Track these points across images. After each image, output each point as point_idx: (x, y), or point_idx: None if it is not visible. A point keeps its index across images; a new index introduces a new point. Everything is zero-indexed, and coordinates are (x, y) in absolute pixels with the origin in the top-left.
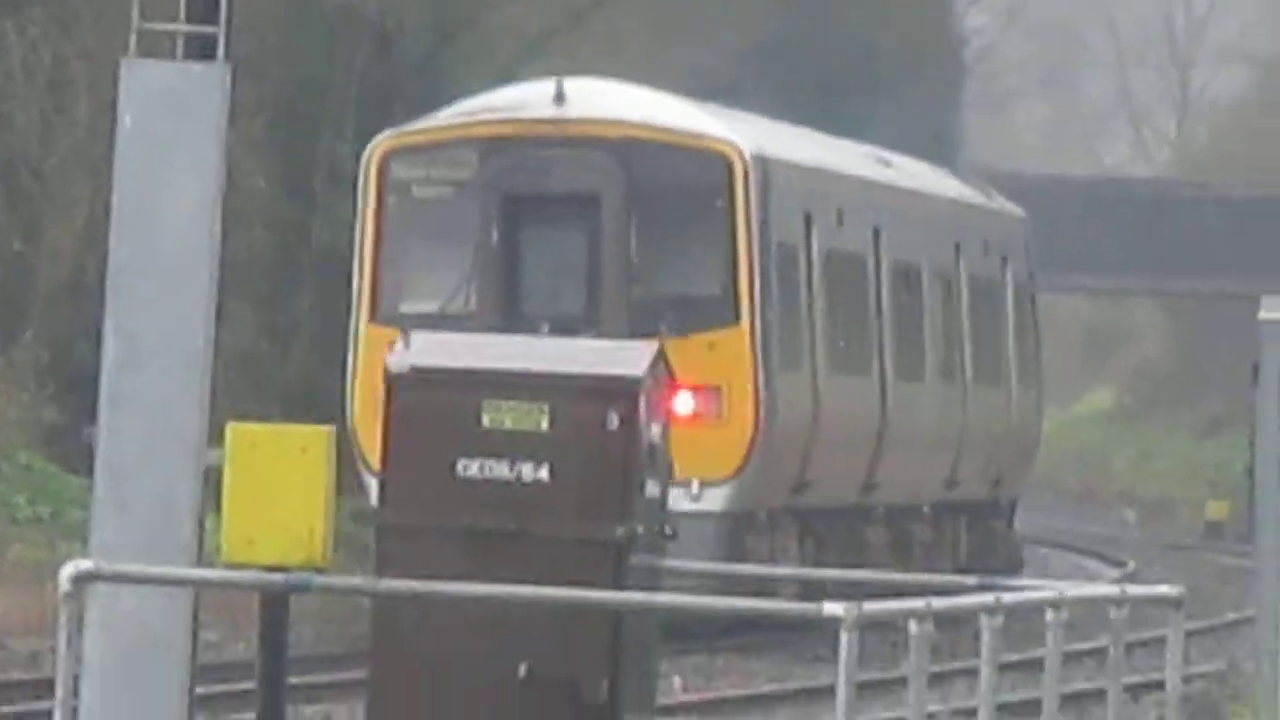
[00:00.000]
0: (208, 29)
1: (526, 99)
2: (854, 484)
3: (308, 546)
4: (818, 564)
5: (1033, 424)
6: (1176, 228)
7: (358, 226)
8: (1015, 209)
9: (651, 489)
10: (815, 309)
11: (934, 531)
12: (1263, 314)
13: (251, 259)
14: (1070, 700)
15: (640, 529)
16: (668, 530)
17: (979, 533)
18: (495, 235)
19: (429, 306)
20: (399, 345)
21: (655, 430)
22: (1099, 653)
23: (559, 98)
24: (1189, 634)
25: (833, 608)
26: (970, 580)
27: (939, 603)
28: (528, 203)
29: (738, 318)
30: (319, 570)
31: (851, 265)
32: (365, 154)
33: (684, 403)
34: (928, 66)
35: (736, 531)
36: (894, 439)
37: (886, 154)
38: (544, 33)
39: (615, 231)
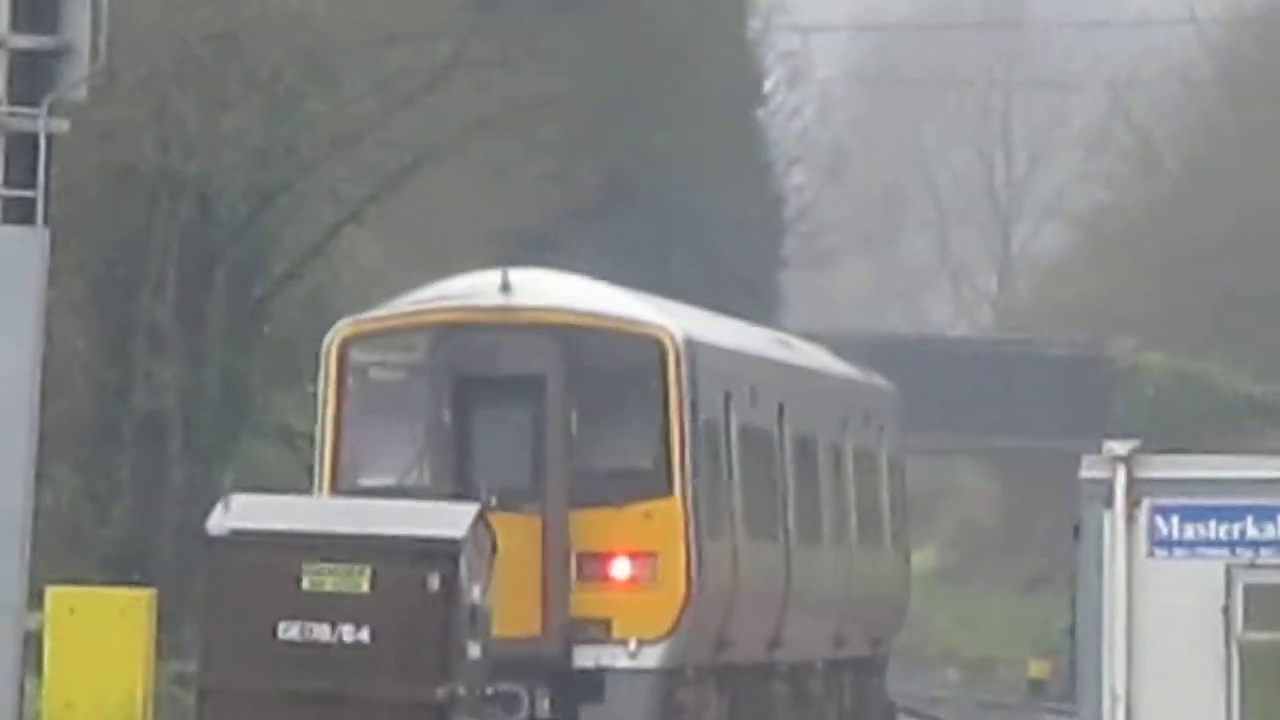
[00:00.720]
0: (26, 193)
1: (476, 288)
2: (763, 641)
3: (127, 711)
4: (733, 718)
5: (903, 585)
6: (999, 386)
7: (319, 407)
8: (887, 384)
9: (473, 651)
10: (734, 479)
11: (825, 688)
12: (1083, 472)
13: (72, 421)
14: None
15: (461, 690)
16: (488, 692)
17: (861, 689)
18: (447, 414)
19: (386, 480)
20: (218, 508)
21: (477, 591)
22: None
23: (505, 287)
24: None
25: None
26: None
27: None
28: (477, 384)
29: (671, 488)
30: None
31: (760, 438)
32: (326, 340)
33: (622, 568)
34: (748, 225)
35: (670, 687)
36: (796, 599)
37: (785, 336)
38: (363, 197)
39: (558, 409)
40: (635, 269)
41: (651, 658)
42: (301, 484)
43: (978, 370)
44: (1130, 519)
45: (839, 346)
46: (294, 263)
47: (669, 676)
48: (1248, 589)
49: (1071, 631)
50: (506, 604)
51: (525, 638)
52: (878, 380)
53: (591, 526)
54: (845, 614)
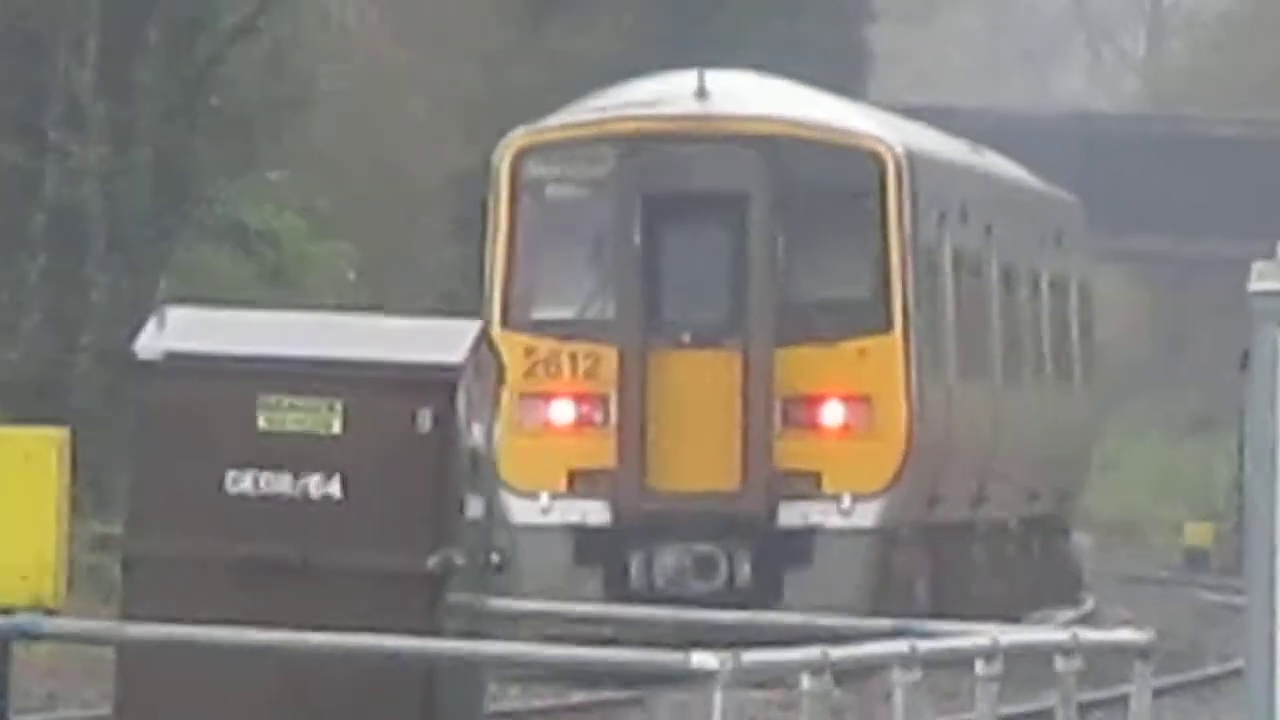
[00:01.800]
0: None
1: (666, 94)
2: (968, 498)
3: (35, 582)
4: (940, 585)
5: (1092, 433)
6: (1149, 174)
7: (489, 228)
8: (1070, 196)
9: (474, 508)
10: (948, 312)
11: (1019, 550)
12: (1254, 284)
13: None
14: None
15: (460, 559)
16: (496, 560)
17: (1049, 552)
18: (635, 236)
19: (564, 313)
20: (150, 325)
21: (479, 432)
22: (1047, 714)
23: (701, 93)
24: (1160, 692)
25: (703, 659)
26: (884, 624)
27: (838, 653)
28: (670, 203)
29: (890, 323)
30: (50, 612)
31: (971, 265)
32: (497, 152)
33: (834, 413)
34: None
35: (885, 549)
36: (1003, 450)
37: (972, 143)
38: None
39: (762, 232)
40: (691, 24)
41: (867, 515)
42: (257, 294)
43: (1121, 154)
44: None
45: (943, 123)
46: (248, 13)
47: (885, 537)
48: None
49: (1239, 487)
50: (702, 453)
51: (723, 492)
52: (1060, 192)
53: (799, 366)
54: (1042, 465)
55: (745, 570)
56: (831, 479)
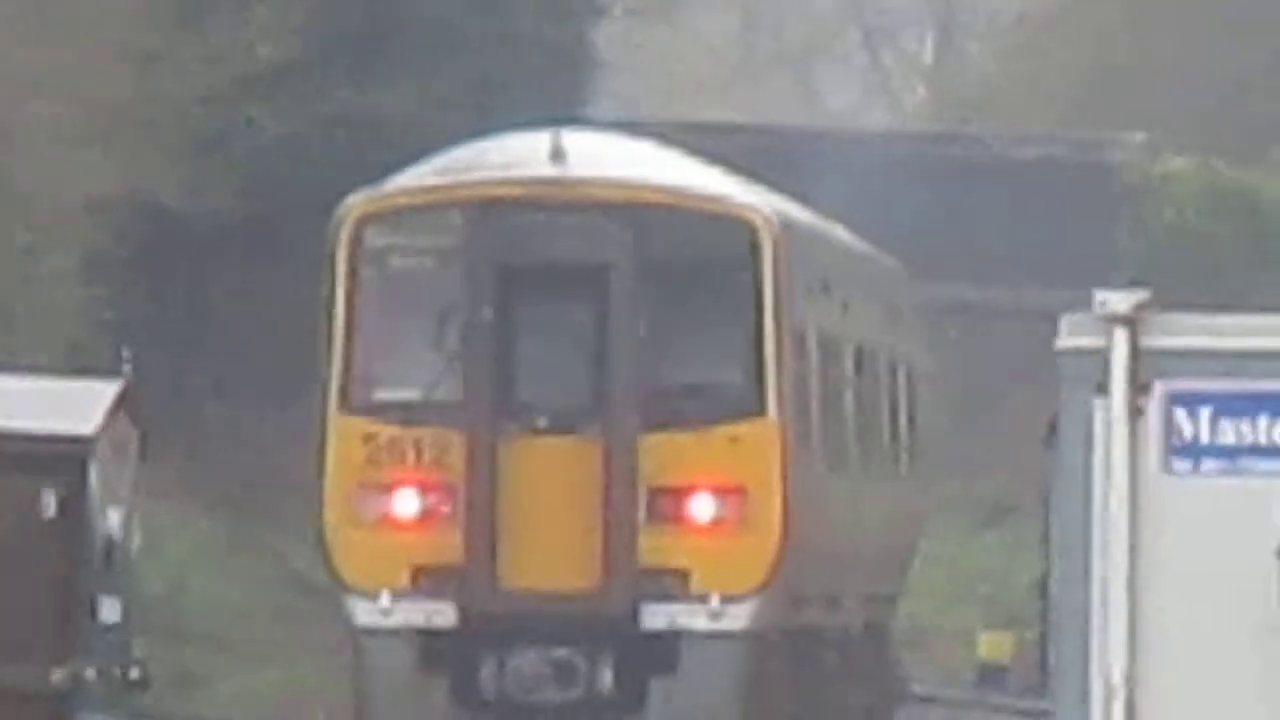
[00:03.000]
0: None
1: (518, 155)
2: (825, 601)
3: None
4: (804, 698)
5: (920, 527)
6: (939, 206)
7: (327, 302)
8: (895, 261)
9: (109, 612)
10: (818, 396)
11: (863, 659)
12: (1062, 340)
13: None
14: None
15: (91, 673)
16: (136, 675)
17: (882, 660)
18: (486, 312)
19: (409, 395)
20: None
21: (115, 520)
22: None
23: (557, 154)
24: None
25: None
26: None
27: None
28: (524, 275)
29: (764, 408)
30: None
31: (832, 346)
32: (335, 219)
33: (703, 506)
34: None
35: (758, 655)
36: (855, 549)
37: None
38: None
39: (625, 308)
40: (371, 17)
41: (738, 618)
42: None
43: (905, 181)
44: (1135, 413)
45: (688, 141)
46: None
47: (756, 642)
48: None
49: (1043, 589)
50: (559, 549)
51: (582, 592)
52: (889, 259)
53: (666, 454)
54: (881, 565)
55: (607, 677)
56: (700, 578)
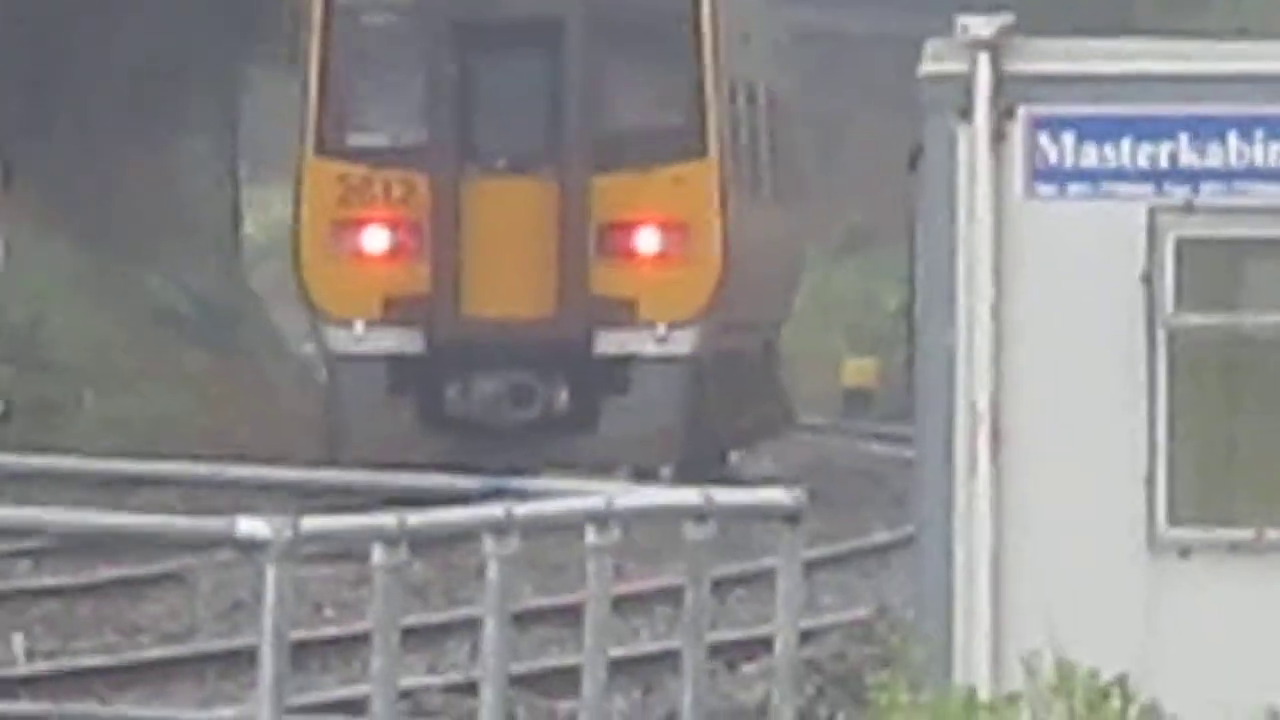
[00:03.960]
0: None
1: None
2: (746, 326)
3: None
4: (731, 416)
5: (804, 252)
6: None
7: (303, 53)
8: None
9: None
10: (744, 136)
11: (769, 378)
12: (924, 66)
13: None
14: (628, 667)
15: None
16: None
17: (775, 379)
18: (447, 64)
19: (378, 139)
20: None
21: None
22: (675, 592)
23: None
24: (814, 564)
25: (253, 526)
26: (472, 483)
27: (416, 519)
28: (484, 28)
29: (705, 148)
30: None
31: (746, 88)
32: None
33: (649, 240)
34: None
35: (699, 377)
36: (766, 277)
37: None
38: None
39: (577, 58)
40: None
41: (683, 343)
42: None
43: None
44: (999, 138)
45: None
46: None
47: (697, 364)
48: (1182, 245)
49: (908, 313)
50: (518, 280)
51: (538, 319)
52: None
53: (615, 192)
54: (779, 290)
55: (563, 398)
56: (648, 306)
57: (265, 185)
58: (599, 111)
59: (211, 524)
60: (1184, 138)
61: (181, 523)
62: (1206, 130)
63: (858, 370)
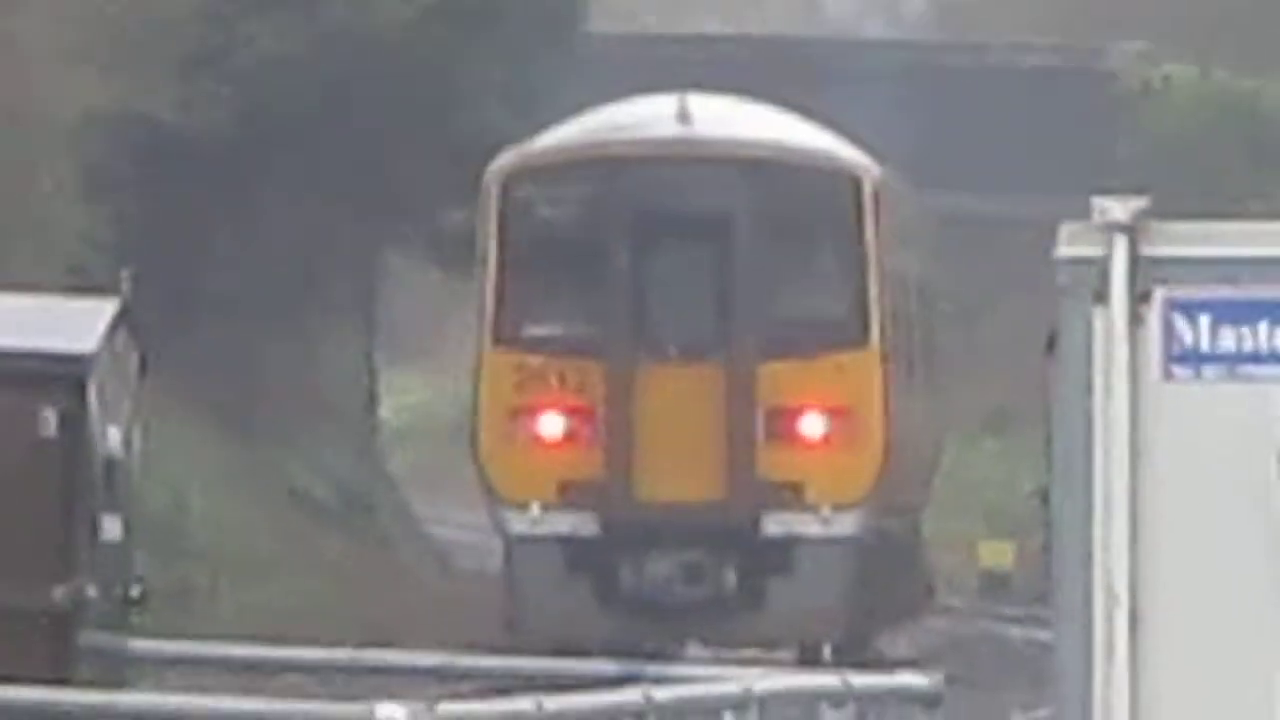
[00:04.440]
0: None
1: (650, 116)
2: (906, 509)
3: None
4: (886, 596)
5: (943, 437)
6: (939, 116)
7: (479, 248)
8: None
9: (111, 529)
10: (902, 327)
11: (920, 559)
12: (1063, 249)
13: None
14: None
15: (93, 591)
16: (136, 593)
17: (921, 560)
18: (622, 256)
19: (554, 330)
20: None
21: (115, 438)
22: None
23: (683, 116)
24: None
25: (391, 711)
26: (611, 667)
27: (556, 703)
28: (656, 223)
29: (866, 338)
30: None
31: (905, 281)
32: (487, 174)
33: (814, 425)
34: None
35: (862, 557)
36: (925, 461)
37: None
38: None
39: (745, 251)
40: None
41: (847, 525)
42: None
43: (905, 91)
44: (1135, 321)
45: (692, 53)
46: None
47: (861, 546)
48: None
49: (1045, 498)
50: (688, 464)
51: (708, 502)
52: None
53: (781, 379)
54: (927, 474)
55: (731, 578)
56: (814, 490)
57: (401, 369)
58: (766, 301)
59: (351, 709)
60: None
61: (321, 708)
62: None
63: (994, 552)
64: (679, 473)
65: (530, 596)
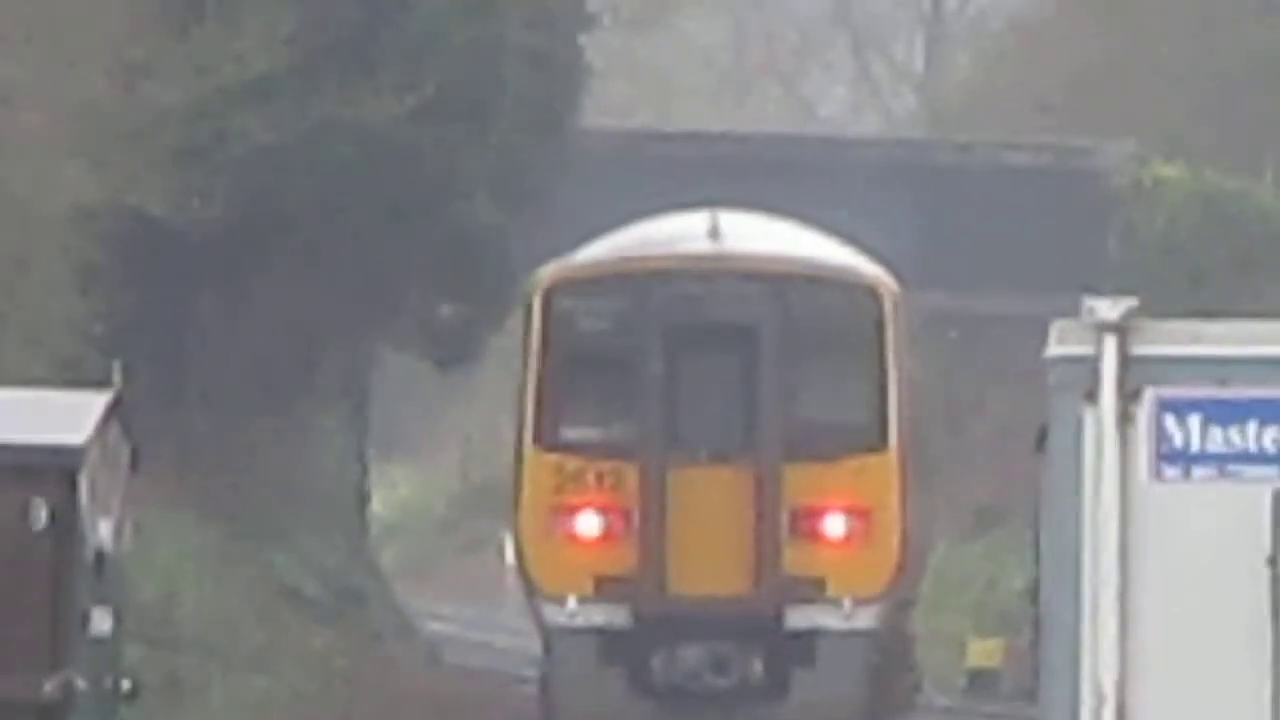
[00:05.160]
0: None
1: (681, 233)
2: (906, 602)
3: None
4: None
5: (935, 532)
6: (928, 213)
7: (522, 354)
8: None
9: (100, 623)
10: (914, 430)
11: (912, 654)
12: (1052, 348)
13: None
14: None
15: (82, 684)
16: (127, 686)
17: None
18: (655, 364)
19: (591, 433)
20: None
21: (105, 531)
22: None
23: (714, 233)
24: None
25: None
26: None
27: None
28: (687, 333)
29: (885, 443)
30: None
31: (911, 383)
32: (529, 285)
33: (836, 524)
34: None
35: (880, 650)
36: (922, 555)
37: None
38: None
39: (771, 360)
40: (357, 29)
41: (866, 618)
42: None
43: (894, 189)
44: (1125, 420)
45: (681, 151)
46: None
47: (879, 638)
48: None
49: (1033, 596)
50: (717, 560)
51: (736, 596)
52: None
53: (805, 480)
54: (921, 570)
55: (757, 668)
56: (835, 584)
57: (392, 462)
58: (790, 407)
59: None
60: None
61: None
62: None
63: (983, 651)
64: (708, 568)
65: (565, 685)
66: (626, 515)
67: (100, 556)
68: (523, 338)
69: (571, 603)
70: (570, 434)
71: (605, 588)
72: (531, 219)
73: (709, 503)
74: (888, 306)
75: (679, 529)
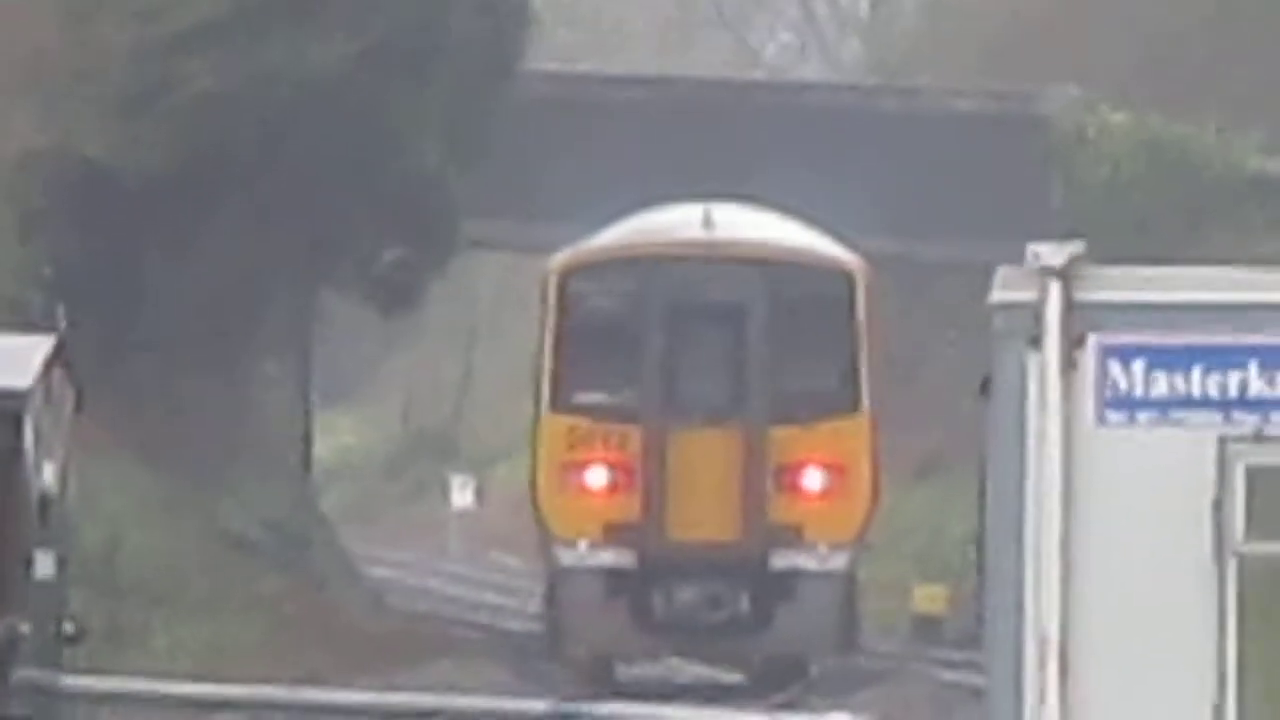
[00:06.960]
0: None
1: (678, 223)
2: (866, 547)
3: None
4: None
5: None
6: (874, 160)
7: (540, 330)
8: None
9: (44, 566)
10: (874, 394)
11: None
12: (995, 294)
13: None
14: None
15: (25, 628)
16: (70, 629)
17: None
18: (656, 339)
19: (600, 398)
20: None
21: (49, 474)
22: None
23: (707, 223)
24: None
25: None
26: (543, 706)
27: None
28: (684, 311)
29: (858, 407)
30: None
31: (876, 345)
32: (546, 268)
33: (814, 478)
34: None
35: (851, 589)
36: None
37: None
38: None
39: (758, 335)
40: None
41: (839, 561)
42: None
43: (840, 136)
44: (1069, 366)
45: (624, 94)
46: None
47: (850, 579)
48: (1252, 474)
49: (978, 543)
50: (709, 510)
51: (727, 541)
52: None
53: (786, 441)
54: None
55: (745, 604)
56: (812, 531)
57: (336, 409)
58: (775, 376)
59: None
60: (1254, 366)
61: None
62: (1276, 359)
63: (927, 597)
64: (702, 517)
65: (575, 619)
66: (631, 470)
67: (45, 500)
68: (540, 315)
69: (582, 546)
70: (581, 399)
71: (612, 533)
72: (476, 164)
73: (703, 459)
74: (861, 286)
75: (677, 482)
